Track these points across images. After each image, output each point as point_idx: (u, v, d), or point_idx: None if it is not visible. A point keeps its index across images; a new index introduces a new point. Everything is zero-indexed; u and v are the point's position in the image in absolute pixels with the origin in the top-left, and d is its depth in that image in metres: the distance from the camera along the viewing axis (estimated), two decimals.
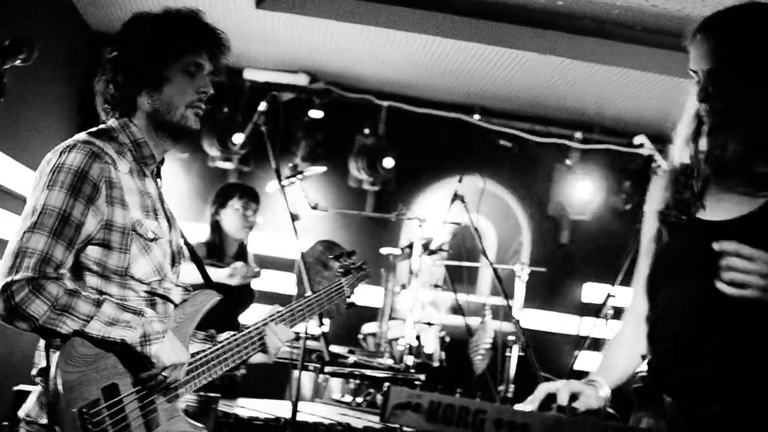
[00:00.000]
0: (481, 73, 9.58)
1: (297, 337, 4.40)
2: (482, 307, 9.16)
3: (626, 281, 7.09)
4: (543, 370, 6.87)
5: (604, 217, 10.82)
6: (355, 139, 10.49)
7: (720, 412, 2.85)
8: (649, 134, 9.67)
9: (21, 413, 3.48)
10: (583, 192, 10.67)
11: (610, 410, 3.10)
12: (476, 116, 10.79)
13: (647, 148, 9.77)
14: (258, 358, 3.97)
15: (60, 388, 3.30)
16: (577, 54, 8.65)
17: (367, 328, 8.89)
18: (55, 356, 3.33)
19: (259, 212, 7.57)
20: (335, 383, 7.99)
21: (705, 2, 7.30)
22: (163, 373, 3.47)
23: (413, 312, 7.36)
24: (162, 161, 3.91)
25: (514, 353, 7.63)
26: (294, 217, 5.69)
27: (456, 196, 7.56)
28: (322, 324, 5.12)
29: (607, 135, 10.89)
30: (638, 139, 9.85)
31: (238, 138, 9.72)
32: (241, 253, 7.59)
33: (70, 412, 3.29)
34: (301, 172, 6.74)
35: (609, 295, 8.33)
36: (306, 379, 8.22)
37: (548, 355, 9.49)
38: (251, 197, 7.53)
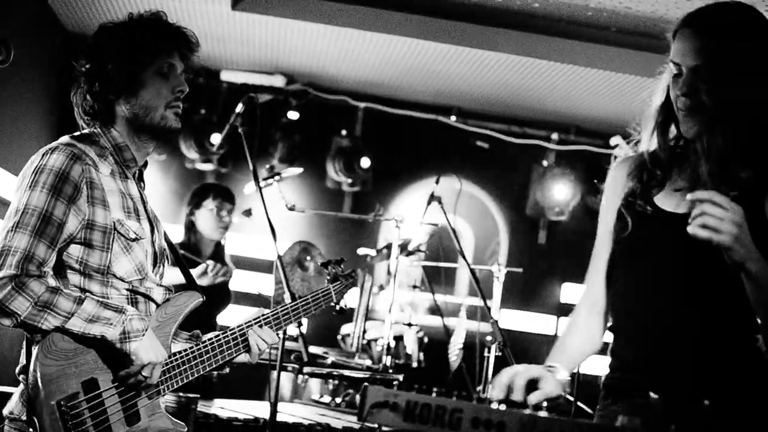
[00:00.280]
0: (457, 74, 9.61)
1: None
2: (459, 308, 9.20)
3: None
4: None
5: (580, 218, 10.85)
6: (332, 140, 10.50)
7: (709, 406, 2.89)
8: (625, 135, 9.72)
9: (5, 411, 3.54)
10: (559, 193, 10.71)
11: (580, 405, 3.13)
12: (453, 117, 10.82)
13: (623, 149, 9.81)
14: (241, 358, 4.00)
15: (39, 380, 3.37)
16: (552, 55, 8.69)
17: (346, 328, 8.91)
18: (35, 351, 3.41)
19: (234, 212, 7.56)
20: (314, 384, 8.02)
21: (678, 4, 7.34)
22: (141, 372, 3.52)
23: (391, 313, 7.39)
24: (145, 165, 3.97)
25: (492, 353, 7.65)
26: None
27: (433, 197, 7.58)
28: (300, 325, 5.13)
29: (583, 136, 10.94)
30: (614, 140, 9.89)
31: (216, 138, 9.72)
32: (217, 254, 7.58)
33: (48, 405, 3.37)
34: (278, 174, 6.75)
35: None
36: (285, 380, 8.24)
37: (526, 356, 9.50)
38: (226, 197, 7.52)
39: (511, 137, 10.92)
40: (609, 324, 3.31)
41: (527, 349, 10.13)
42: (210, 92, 10.05)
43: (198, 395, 5.34)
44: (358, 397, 7.60)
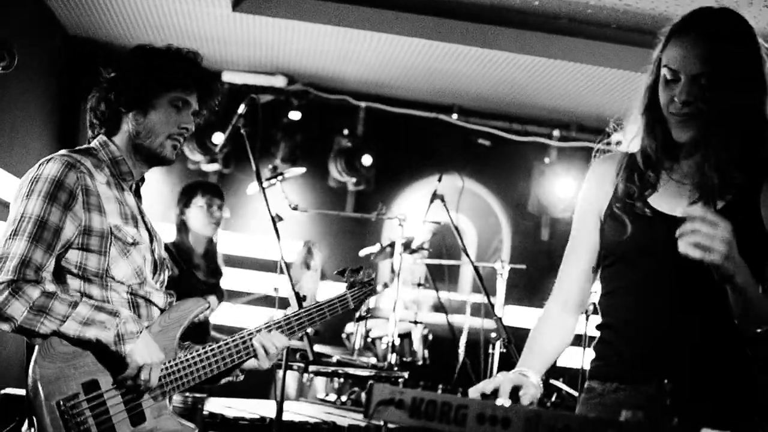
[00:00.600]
0: (458, 72, 9.62)
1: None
2: (463, 305, 9.22)
3: None
4: None
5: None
6: (333, 140, 10.52)
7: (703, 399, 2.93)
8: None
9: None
10: (562, 189, 10.72)
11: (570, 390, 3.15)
12: (454, 115, 10.83)
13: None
14: (251, 363, 4.01)
15: (38, 382, 3.42)
16: (552, 53, 8.70)
17: (350, 327, 8.93)
18: (34, 354, 3.47)
19: (224, 208, 7.57)
20: (319, 382, 8.04)
21: (678, 1, 7.36)
22: (138, 374, 3.55)
23: (396, 311, 7.40)
24: (142, 180, 4.06)
25: (497, 350, 7.67)
26: (275, 219, 5.72)
27: (435, 196, 7.59)
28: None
29: (584, 132, 10.94)
30: (615, 137, 9.91)
31: (218, 138, 9.73)
32: (209, 252, 7.59)
33: (47, 405, 3.42)
34: (281, 174, 6.78)
35: (591, 292, 8.37)
36: (290, 379, 8.27)
37: None
38: (214, 193, 7.54)
39: (512, 135, 10.93)
40: (599, 321, 3.31)
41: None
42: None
43: (205, 395, 5.37)
44: (363, 395, 7.63)
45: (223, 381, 4.04)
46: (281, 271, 5.71)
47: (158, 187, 10.14)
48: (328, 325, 9.39)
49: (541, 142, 11.02)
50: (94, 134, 3.93)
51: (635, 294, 3.12)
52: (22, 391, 3.71)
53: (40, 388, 3.40)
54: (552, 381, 8.25)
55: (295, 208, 6.87)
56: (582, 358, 7.91)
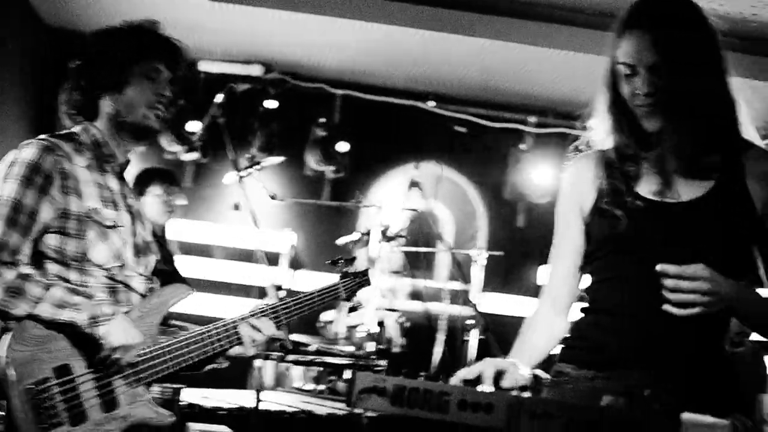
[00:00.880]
0: (434, 59, 9.61)
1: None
2: (440, 292, 9.24)
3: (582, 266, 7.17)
4: (503, 352, 6.93)
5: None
6: (310, 128, 10.48)
7: (683, 390, 2.95)
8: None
9: None
10: (538, 176, 10.73)
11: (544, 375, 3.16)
12: (430, 103, 10.82)
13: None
14: (236, 350, 3.97)
15: (9, 364, 3.40)
16: (529, 39, 8.70)
17: (326, 315, 8.92)
18: (7, 337, 3.44)
19: (181, 195, 7.38)
20: (296, 371, 8.03)
21: None
22: (113, 355, 3.54)
23: (373, 299, 7.40)
24: (127, 162, 4.02)
25: (474, 337, 7.69)
26: (235, 207, 5.70)
27: (413, 183, 7.60)
28: None
29: (561, 118, 10.93)
30: (592, 123, 9.91)
31: (194, 126, 9.66)
32: (162, 239, 7.49)
33: (17, 388, 3.39)
34: (258, 163, 6.76)
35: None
36: (267, 368, 8.26)
37: (507, 338, 9.55)
38: (172, 182, 7.27)
39: (488, 121, 10.92)
40: (585, 306, 3.32)
41: (507, 331, 10.14)
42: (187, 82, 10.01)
43: (183, 385, 5.35)
44: (341, 384, 7.63)
45: (206, 368, 4.01)
46: (259, 261, 5.70)
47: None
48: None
49: (518, 129, 11.02)
50: (75, 123, 3.92)
51: (628, 284, 3.12)
52: None
53: (13, 371, 3.38)
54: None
55: (273, 197, 6.86)
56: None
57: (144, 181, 7.19)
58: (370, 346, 7.20)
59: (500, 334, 7.38)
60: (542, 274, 10.94)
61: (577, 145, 3.48)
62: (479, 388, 2.34)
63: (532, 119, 11.03)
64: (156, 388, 4.86)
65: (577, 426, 2.18)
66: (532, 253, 10.95)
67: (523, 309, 10.87)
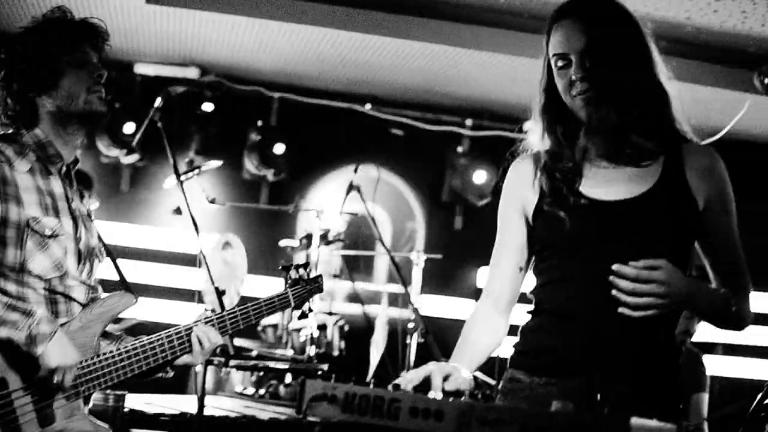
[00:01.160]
0: (372, 63, 9.62)
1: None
2: (378, 295, 9.25)
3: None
4: (443, 354, 6.95)
5: (495, 203, 10.90)
6: (247, 131, 10.44)
7: (632, 391, 2.98)
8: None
9: None
10: (475, 178, 10.77)
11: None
12: (367, 105, 10.83)
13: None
14: (184, 359, 3.91)
15: None
16: (465, 42, 8.72)
17: (266, 319, 8.90)
18: None
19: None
20: (237, 375, 8.01)
21: None
22: (51, 376, 3.46)
23: (313, 302, 7.40)
24: (75, 161, 3.93)
25: (414, 340, 7.70)
26: (175, 212, 5.68)
27: (352, 186, 7.61)
28: None
29: (497, 121, 10.99)
30: (528, 125, 9.98)
31: (130, 127, 9.55)
32: None
33: None
34: (198, 167, 6.73)
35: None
36: (208, 373, 8.23)
37: (446, 340, 9.59)
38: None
39: (425, 124, 10.95)
40: (531, 308, 3.34)
41: (446, 333, 10.19)
42: (123, 85, 9.95)
43: (125, 392, 5.32)
44: (280, 388, 7.62)
45: (153, 377, 3.96)
46: (199, 266, 5.68)
47: None
48: None
49: (455, 132, 11.05)
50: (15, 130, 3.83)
51: (573, 284, 3.14)
52: None
53: None
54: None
55: (212, 202, 6.84)
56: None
57: None
58: (311, 350, 7.19)
59: (440, 337, 7.41)
60: (481, 277, 11.00)
61: (515, 149, 3.52)
62: (429, 395, 2.34)
63: (469, 122, 11.07)
64: (98, 395, 4.82)
65: None
66: (469, 256, 10.99)
67: (462, 311, 10.92)
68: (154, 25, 8.88)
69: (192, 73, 10.12)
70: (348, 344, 8.55)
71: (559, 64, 3.13)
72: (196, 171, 6.67)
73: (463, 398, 2.32)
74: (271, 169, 10.38)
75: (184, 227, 6.10)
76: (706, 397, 6.78)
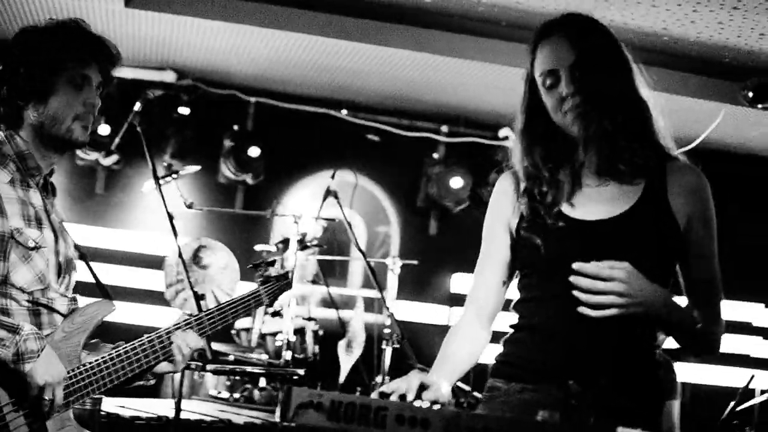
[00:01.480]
0: (349, 69, 9.63)
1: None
2: (353, 300, 9.26)
3: None
4: (418, 360, 6.97)
5: (470, 209, 10.95)
6: (223, 136, 10.42)
7: (610, 384, 3.01)
8: (513, 127, 9.82)
9: None
10: (450, 184, 10.79)
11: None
12: (344, 111, 10.84)
13: (512, 141, 9.92)
14: (165, 367, 3.87)
15: None
16: (442, 50, 8.74)
17: (241, 323, 8.89)
18: None
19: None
20: (211, 379, 8.01)
21: (568, 0, 7.47)
22: (40, 394, 3.42)
23: (290, 307, 7.41)
24: (51, 172, 3.86)
25: (389, 345, 7.72)
26: (172, 216, 5.69)
27: (329, 192, 7.62)
28: None
29: (473, 128, 11.02)
30: (503, 132, 10.02)
31: (105, 129, 9.49)
32: None
33: None
34: (176, 172, 6.73)
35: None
36: (182, 376, 8.22)
37: (420, 346, 9.62)
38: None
39: (401, 130, 10.96)
40: (514, 323, 3.37)
41: (421, 339, 10.22)
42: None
43: (101, 396, 5.31)
44: (255, 392, 7.63)
45: (134, 384, 3.92)
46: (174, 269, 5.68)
47: None
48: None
49: (430, 138, 11.07)
50: None
51: (553, 302, 3.16)
52: None
53: None
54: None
55: (190, 206, 6.83)
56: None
57: None
58: (287, 355, 7.20)
59: (413, 342, 7.44)
60: (455, 282, 11.03)
61: (499, 157, 3.55)
62: (417, 404, 2.36)
63: (445, 128, 11.08)
64: None
65: None
66: (444, 262, 11.03)
67: (437, 317, 10.94)
68: (131, 28, 8.87)
69: (169, 76, 10.10)
70: (322, 349, 8.56)
71: (548, 82, 3.14)
72: (174, 175, 6.67)
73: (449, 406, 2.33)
74: (247, 174, 10.36)
75: (161, 230, 6.10)
76: (677, 404, 6.81)
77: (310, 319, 8.45)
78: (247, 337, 8.72)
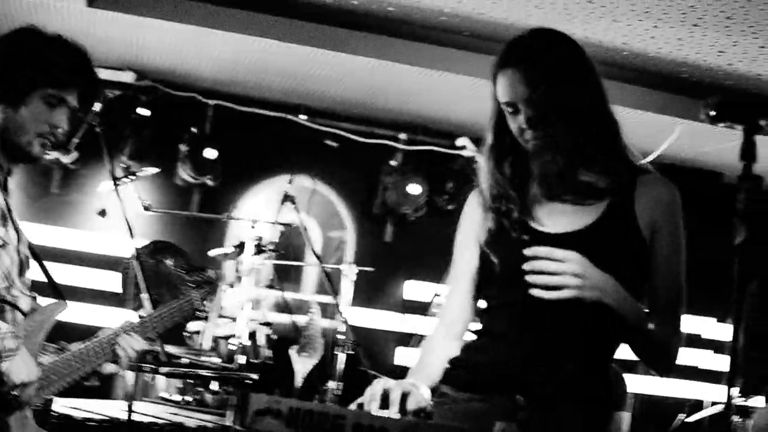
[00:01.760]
0: (307, 73, 9.61)
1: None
2: (307, 305, 9.24)
3: None
4: (372, 367, 7.00)
5: (426, 217, 10.97)
6: (181, 138, 10.37)
7: (564, 409, 3.03)
8: (471, 136, 9.87)
9: None
10: (407, 191, 10.80)
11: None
12: (302, 116, 10.81)
13: (469, 150, 9.96)
14: (110, 368, 3.91)
15: None
16: (403, 58, 8.76)
17: (194, 326, 8.85)
18: None
19: None
20: (161, 381, 7.97)
21: (530, 12, 7.51)
22: (15, 392, 3.43)
23: (244, 310, 7.39)
24: (10, 172, 3.85)
25: (343, 351, 7.73)
26: (128, 218, 5.66)
27: (286, 197, 7.62)
28: None
29: (431, 136, 11.04)
30: (460, 141, 10.04)
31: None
32: None
33: None
34: (134, 173, 6.70)
35: (436, 294, 8.54)
36: (130, 377, 8.18)
37: (374, 352, 9.63)
38: None
39: (359, 137, 10.96)
40: (477, 329, 3.40)
41: (373, 346, 10.24)
42: None
43: (52, 396, 5.28)
44: (206, 396, 7.60)
45: (81, 384, 3.94)
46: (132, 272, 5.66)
47: None
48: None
49: (388, 145, 11.07)
50: None
51: (514, 311, 3.18)
52: None
53: None
54: None
55: (147, 208, 6.80)
56: None
57: None
58: (240, 359, 7.18)
59: (368, 349, 7.45)
60: (408, 289, 11.04)
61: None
62: (383, 413, 2.37)
63: (403, 136, 11.09)
64: None
65: None
66: (399, 268, 11.04)
67: (388, 323, 10.94)
68: (92, 27, 8.81)
69: (128, 77, 10.04)
70: (276, 353, 8.54)
71: (509, 110, 3.17)
72: (132, 177, 6.64)
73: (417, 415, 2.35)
74: (204, 177, 10.32)
75: (116, 231, 6.07)
76: (627, 415, 6.87)
77: (264, 323, 8.43)
78: (198, 339, 8.68)
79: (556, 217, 3.22)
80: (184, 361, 7.04)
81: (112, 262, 9.71)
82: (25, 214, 9.36)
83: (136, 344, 3.91)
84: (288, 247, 9.32)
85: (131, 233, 5.63)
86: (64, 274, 9.42)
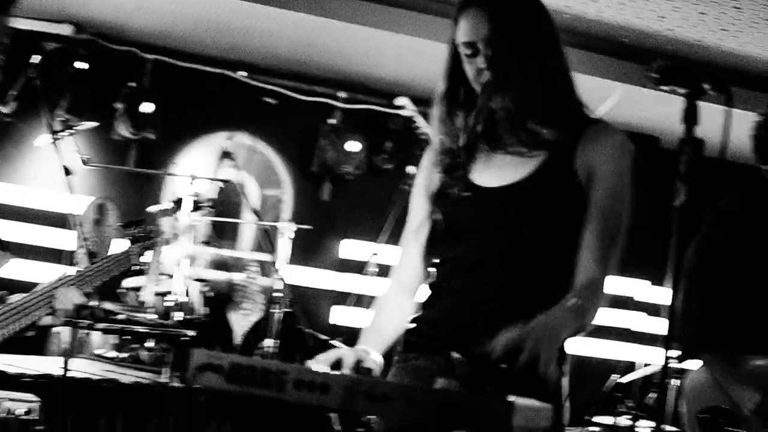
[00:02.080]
0: (247, 28, 9.56)
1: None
2: (246, 263, 9.23)
3: (391, 239, 7.30)
4: (308, 324, 7.01)
5: (364, 176, 10.98)
6: (119, 92, 10.27)
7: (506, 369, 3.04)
8: (411, 96, 9.87)
9: None
10: (346, 150, 10.79)
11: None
12: (241, 72, 10.74)
13: (408, 110, 9.96)
14: (47, 320, 3.90)
15: None
16: (344, 16, 8.74)
17: (129, 282, 8.79)
18: None
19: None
20: (96, 338, 7.92)
21: None
22: None
23: (181, 267, 7.36)
24: None
25: (279, 309, 7.73)
26: (68, 172, 5.62)
27: (225, 153, 7.59)
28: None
29: (370, 95, 11.02)
30: (399, 101, 10.04)
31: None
32: None
33: None
34: (72, 127, 6.64)
35: (373, 253, 8.56)
36: (65, 334, 8.12)
37: (309, 310, 9.65)
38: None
39: (299, 95, 10.91)
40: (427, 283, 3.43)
41: (309, 303, 10.25)
42: None
43: None
44: (142, 353, 7.56)
45: (18, 336, 3.93)
46: (72, 226, 5.62)
47: None
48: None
49: (328, 103, 11.04)
50: None
51: (457, 267, 3.23)
52: None
53: None
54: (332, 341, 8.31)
55: (85, 162, 6.75)
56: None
57: None
58: (178, 316, 7.15)
59: (304, 307, 7.46)
60: (344, 248, 11.05)
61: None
62: (316, 368, 2.38)
63: (342, 94, 11.06)
64: None
65: (414, 408, 2.24)
66: (335, 227, 11.05)
67: (323, 281, 10.95)
68: None
69: (66, 30, 9.91)
70: (212, 311, 8.53)
71: (467, 52, 3.17)
72: (71, 130, 6.57)
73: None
74: (142, 132, 10.23)
75: (54, 187, 6.03)
76: (564, 379, 6.91)
77: (199, 279, 8.41)
78: (135, 296, 8.62)
79: (495, 171, 3.24)
80: (120, 317, 6.99)
81: (50, 218, 9.64)
82: None
83: (73, 296, 3.89)
84: (227, 204, 9.29)
85: (71, 188, 5.58)
86: (2, 229, 9.33)
